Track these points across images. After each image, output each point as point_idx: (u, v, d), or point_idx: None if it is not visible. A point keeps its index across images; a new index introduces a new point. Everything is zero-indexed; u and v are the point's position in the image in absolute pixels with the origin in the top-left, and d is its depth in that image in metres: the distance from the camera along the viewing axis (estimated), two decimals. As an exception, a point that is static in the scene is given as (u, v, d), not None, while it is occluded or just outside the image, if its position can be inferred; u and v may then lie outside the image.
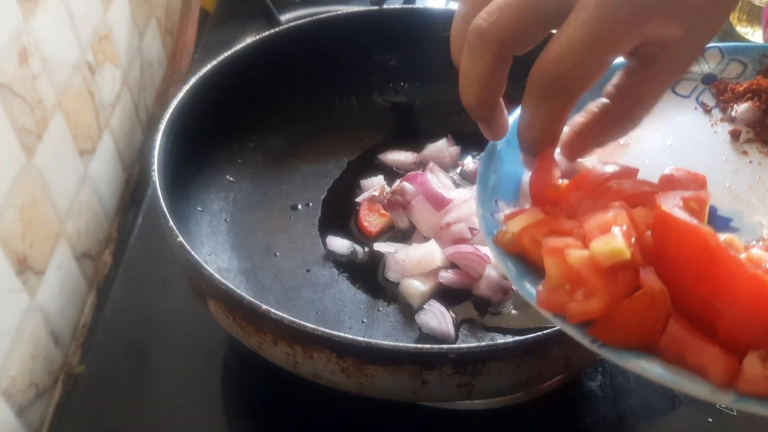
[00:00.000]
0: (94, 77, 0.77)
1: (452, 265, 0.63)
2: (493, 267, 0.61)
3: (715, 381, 0.31)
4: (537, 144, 0.39)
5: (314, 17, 0.78)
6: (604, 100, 0.40)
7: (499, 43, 0.36)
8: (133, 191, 0.86)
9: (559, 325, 0.34)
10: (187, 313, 0.65)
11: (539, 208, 0.39)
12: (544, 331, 0.46)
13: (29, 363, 0.61)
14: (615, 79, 0.39)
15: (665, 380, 0.32)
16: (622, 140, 0.48)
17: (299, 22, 0.77)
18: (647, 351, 0.33)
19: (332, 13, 0.79)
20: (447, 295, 0.62)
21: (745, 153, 0.48)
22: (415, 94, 0.82)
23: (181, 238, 0.52)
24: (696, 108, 0.51)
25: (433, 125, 0.78)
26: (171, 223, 0.53)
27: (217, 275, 0.49)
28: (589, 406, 0.60)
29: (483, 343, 0.47)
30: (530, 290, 0.36)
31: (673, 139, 0.49)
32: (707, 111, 0.51)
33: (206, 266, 0.50)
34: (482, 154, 0.44)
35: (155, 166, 0.58)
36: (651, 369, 0.32)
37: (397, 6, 0.86)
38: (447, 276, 0.62)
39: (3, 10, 0.57)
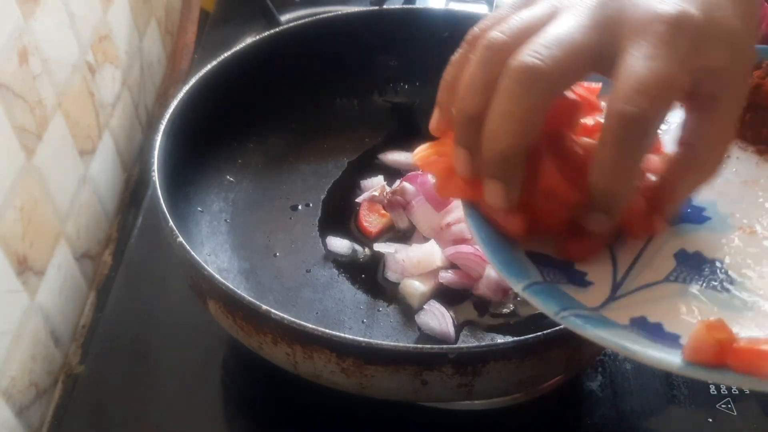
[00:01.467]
0: (94, 77, 0.77)
1: (452, 265, 0.63)
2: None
3: None
4: (621, 197, 0.36)
5: (314, 17, 0.77)
6: (675, 150, 0.39)
7: (552, 83, 0.35)
8: (133, 191, 0.86)
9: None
10: (187, 313, 0.65)
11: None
12: (544, 331, 0.46)
13: (29, 363, 0.61)
14: (683, 134, 0.39)
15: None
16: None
17: (299, 22, 0.77)
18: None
19: (332, 13, 0.79)
20: (447, 295, 0.62)
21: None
22: (415, 94, 0.82)
23: (181, 238, 0.52)
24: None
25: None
26: (171, 223, 0.53)
27: (217, 275, 0.49)
28: (589, 406, 0.60)
29: (483, 343, 0.47)
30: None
31: None
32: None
33: (206, 266, 0.50)
34: None
35: (155, 166, 0.58)
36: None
37: (397, 6, 0.87)
38: (447, 276, 0.62)
39: (3, 10, 0.57)
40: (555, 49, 0.35)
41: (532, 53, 0.35)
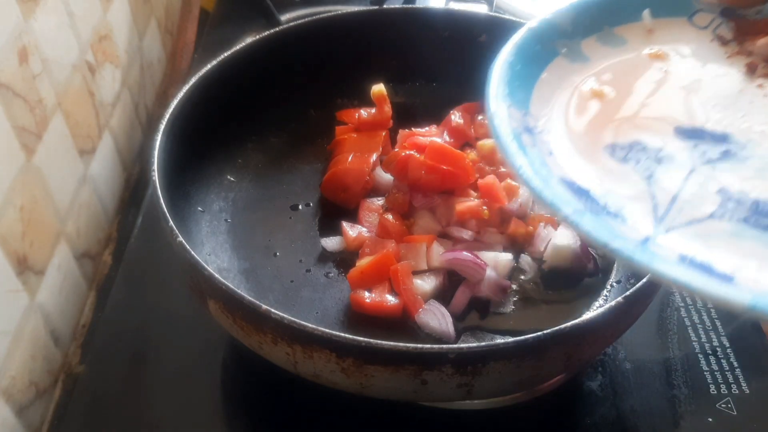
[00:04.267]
0: (94, 77, 0.77)
1: (451, 272, 0.63)
2: (492, 269, 0.61)
3: None
4: None
5: (314, 17, 0.78)
6: None
7: None
8: (133, 191, 0.86)
9: None
10: (187, 313, 0.65)
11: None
12: (544, 331, 0.46)
13: (29, 363, 0.61)
14: None
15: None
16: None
17: (299, 22, 0.77)
18: None
19: (332, 13, 0.79)
20: (447, 295, 0.62)
21: (760, 86, 0.48)
22: (415, 94, 0.82)
23: (181, 238, 0.52)
24: (712, 40, 0.51)
25: (433, 125, 0.78)
26: (171, 223, 0.53)
27: (217, 275, 0.49)
28: (589, 406, 0.60)
29: (483, 343, 0.47)
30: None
31: (687, 70, 0.49)
32: (724, 44, 0.51)
33: (206, 266, 0.50)
34: (498, 56, 0.44)
35: (155, 166, 0.58)
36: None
37: (397, 6, 0.87)
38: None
39: (3, 10, 0.57)
40: None
41: None
